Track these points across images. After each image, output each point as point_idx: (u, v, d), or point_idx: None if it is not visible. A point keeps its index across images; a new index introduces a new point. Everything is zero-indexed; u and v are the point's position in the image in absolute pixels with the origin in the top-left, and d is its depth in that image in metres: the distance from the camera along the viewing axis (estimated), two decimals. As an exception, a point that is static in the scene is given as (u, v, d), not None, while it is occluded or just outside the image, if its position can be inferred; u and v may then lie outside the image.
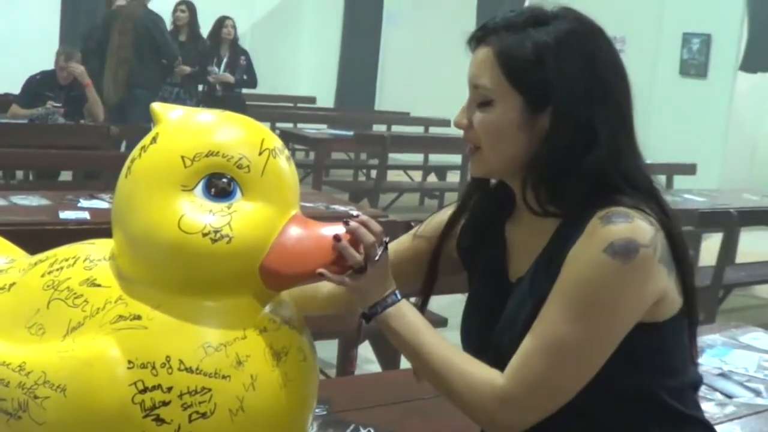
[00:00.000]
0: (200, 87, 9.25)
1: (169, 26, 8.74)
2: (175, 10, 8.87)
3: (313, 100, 12.44)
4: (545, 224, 1.58)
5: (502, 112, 1.54)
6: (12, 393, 1.44)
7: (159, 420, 1.39)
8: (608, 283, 1.45)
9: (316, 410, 1.98)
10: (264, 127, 1.57)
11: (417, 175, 10.23)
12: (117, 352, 1.41)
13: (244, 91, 9.51)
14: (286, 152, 1.55)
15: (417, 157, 10.26)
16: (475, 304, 1.71)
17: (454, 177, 9.68)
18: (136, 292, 1.46)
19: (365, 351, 4.10)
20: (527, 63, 1.52)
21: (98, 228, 3.71)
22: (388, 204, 8.83)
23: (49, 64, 7.46)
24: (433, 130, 10.61)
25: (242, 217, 1.45)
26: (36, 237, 3.35)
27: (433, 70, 11.83)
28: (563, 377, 1.48)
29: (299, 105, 12.03)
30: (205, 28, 9.14)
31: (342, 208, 4.66)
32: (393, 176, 10.12)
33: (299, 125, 10.50)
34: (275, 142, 1.53)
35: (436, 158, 10.12)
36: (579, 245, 1.48)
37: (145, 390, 1.39)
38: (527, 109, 1.53)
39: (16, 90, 7.53)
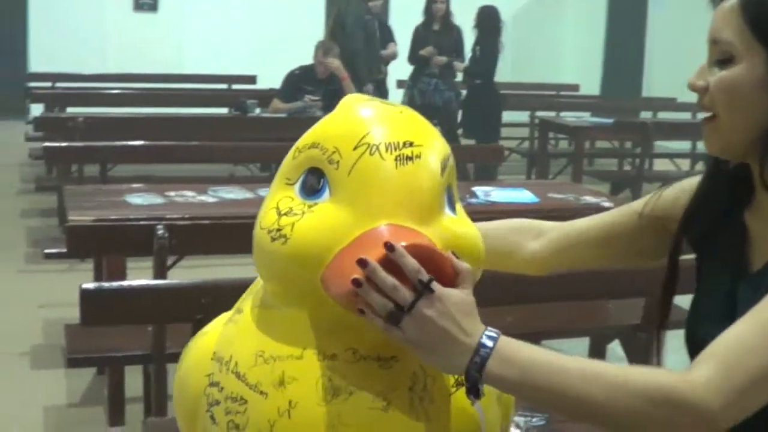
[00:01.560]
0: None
1: (422, 16, 8.73)
2: (434, 1, 8.77)
3: (576, 87, 12.10)
4: None
5: (745, 70, 1.31)
6: None
7: (212, 418, 1.31)
8: None
9: (533, 420, 1.84)
10: (406, 122, 1.31)
11: (685, 164, 9.74)
12: (214, 341, 1.38)
13: (505, 80, 9.33)
14: (413, 151, 1.26)
15: (685, 145, 9.78)
16: (707, 299, 1.47)
17: (724, 165, 9.17)
18: (260, 288, 1.38)
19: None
20: None
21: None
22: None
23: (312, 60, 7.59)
24: (702, 116, 10.06)
25: (310, 219, 1.24)
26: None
27: (701, 51, 11.26)
28: None
29: (562, 93, 11.73)
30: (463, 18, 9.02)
31: (593, 200, 4.44)
32: (660, 165, 9.71)
33: (562, 114, 10.23)
34: (392, 137, 1.26)
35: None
36: None
37: (211, 384, 1.32)
38: None
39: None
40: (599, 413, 1.21)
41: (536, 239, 1.70)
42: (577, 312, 3.82)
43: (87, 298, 2.31)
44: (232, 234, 3.32)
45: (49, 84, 9.42)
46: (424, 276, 1.18)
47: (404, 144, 1.26)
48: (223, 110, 8.51)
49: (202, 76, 9.88)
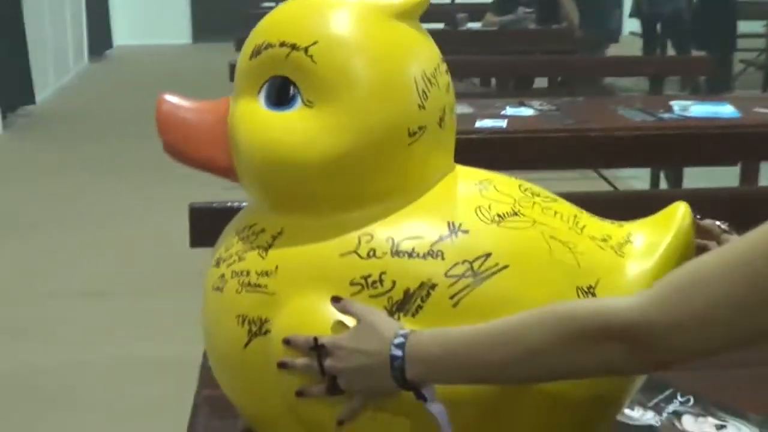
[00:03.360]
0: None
1: None
2: None
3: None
4: None
5: None
6: None
7: None
8: None
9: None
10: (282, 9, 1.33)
11: None
12: None
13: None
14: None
15: None
16: None
17: None
18: None
19: None
20: None
21: (509, 138, 3.52)
22: None
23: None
24: None
25: None
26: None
27: None
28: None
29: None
30: None
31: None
32: None
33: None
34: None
35: None
36: None
37: None
38: None
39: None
40: (536, 367, 1.11)
41: None
42: None
43: (195, 217, 2.23)
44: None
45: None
46: (311, 341, 1.20)
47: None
48: (439, 25, 8.32)
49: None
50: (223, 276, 1.31)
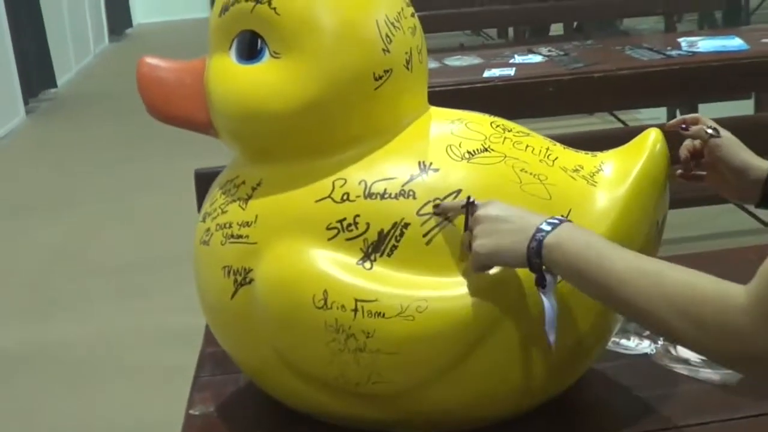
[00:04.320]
0: None
1: None
2: None
3: None
4: None
5: None
6: None
7: None
8: None
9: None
10: None
11: None
12: None
13: None
14: None
15: None
16: None
17: None
18: None
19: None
20: None
21: (518, 83, 3.52)
22: None
23: None
24: None
25: None
26: (455, 97, 3.23)
27: None
28: None
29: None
30: None
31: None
32: None
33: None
34: None
35: None
36: None
37: None
38: None
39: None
40: (641, 317, 1.07)
41: None
42: None
43: (201, 183, 2.26)
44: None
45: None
46: (462, 201, 1.22)
47: None
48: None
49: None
50: (209, 230, 1.36)
